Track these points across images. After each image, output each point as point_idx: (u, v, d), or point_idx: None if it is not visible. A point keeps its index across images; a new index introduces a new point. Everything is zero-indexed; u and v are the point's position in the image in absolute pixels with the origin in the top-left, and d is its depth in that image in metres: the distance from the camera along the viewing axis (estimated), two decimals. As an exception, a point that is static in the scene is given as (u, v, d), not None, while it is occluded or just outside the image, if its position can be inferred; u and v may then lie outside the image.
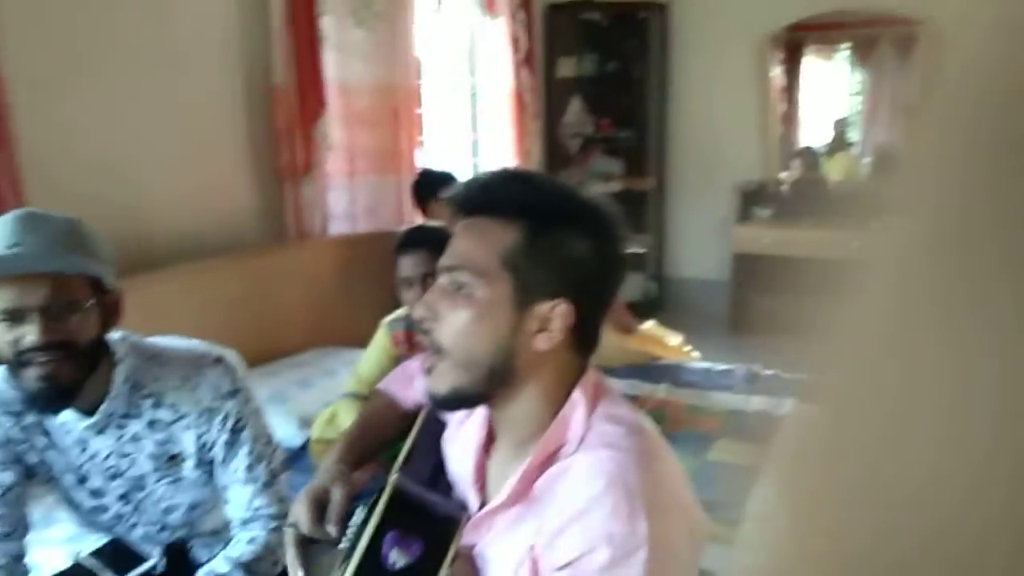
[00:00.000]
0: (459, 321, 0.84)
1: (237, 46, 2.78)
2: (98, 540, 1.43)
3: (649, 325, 3.18)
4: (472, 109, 4.14)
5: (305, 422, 2.26)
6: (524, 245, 0.84)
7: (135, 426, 1.27)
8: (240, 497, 1.31)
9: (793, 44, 4.69)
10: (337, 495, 1.04)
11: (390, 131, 3.33)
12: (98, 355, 1.20)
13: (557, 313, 0.84)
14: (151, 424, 1.28)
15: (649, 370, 2.90)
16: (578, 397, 0.86)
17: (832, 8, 4.27)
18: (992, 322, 0.19)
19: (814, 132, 4.82)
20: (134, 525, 1.34)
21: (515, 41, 4.01)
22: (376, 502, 0.96)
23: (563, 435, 0.85)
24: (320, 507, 1.05)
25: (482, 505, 0.94)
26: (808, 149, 4.70)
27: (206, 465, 1.32)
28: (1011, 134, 0.19)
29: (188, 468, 1.31)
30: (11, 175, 2.03)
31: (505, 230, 0.84)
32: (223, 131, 2.78)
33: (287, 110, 2.85)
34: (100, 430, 1.26)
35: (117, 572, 1.35)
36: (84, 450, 1.28)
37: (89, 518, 1.35)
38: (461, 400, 0.88)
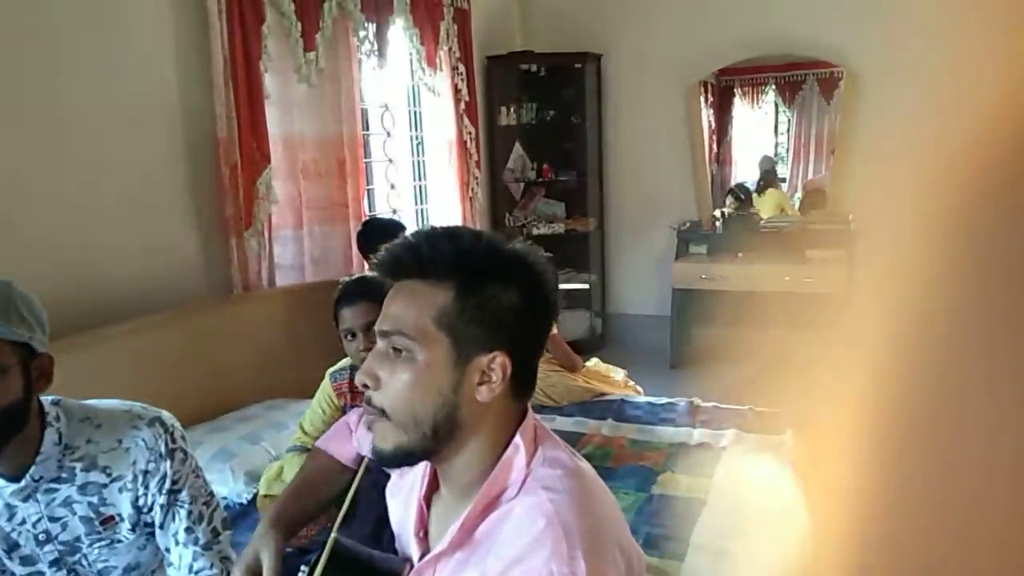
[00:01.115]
0: (400, 385, 0.86)
1: (180, 102, 2.80)
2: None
3: (593, 362, 3.27)
4: (417, 157, 4.24)
5: (253, 477, 2.25)
6: (457, 304, 0.85)
7: (66, 490, 1.24)
8: (181, 560, 1.29)
9: (722, 88, 4.92)
10: (267, 561, 1.06)
11: (336, 182, 3.39)
12: (21, 419, 1.17)
13: (496, 365, 0.86)
14: (83, 488, 1.24)
15: (594, 407, 2.96)
16: (519, 442, 0.88)
17: (756, 54, 4.51)
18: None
19: (745, 170, 5.04)
20: None
21: (456, 92, 4.13)
22: (317, 562, 0.99)
23: (505, 480, 0.87)
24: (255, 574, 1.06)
25: (424, 554, 0.95)
26: (740, 186, 4.90)
27: (143, 527, 1.30)
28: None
29: (124, 530, 1.28)
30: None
31: (436, 291, 0.86)
32: (168, 186, 2.79)
33: (230, 164, 2.89)
34: (27, 496, 1.22)
35: None
36: (12, 517, 1.24)
37: None
38: (406, 457, 0.89)
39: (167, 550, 1.30)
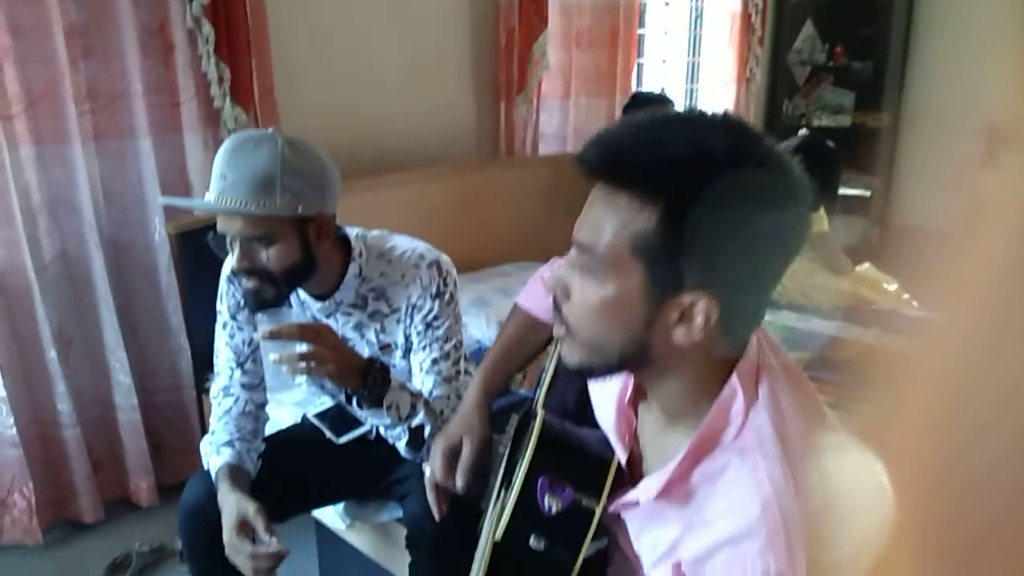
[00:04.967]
0: (587, 305, 0.75)
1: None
2: (323, 404, 1.59)
3: (865, 267, 2.98)
4: (693, 31, 3.99)
5: (503, 326, 2.40)
6: (659, 230, 0.69)
7: (358, 315, 1.40)
8: (423, 385, 1.39)
9: (1083, -37, 4.02)
10: (467, 449, 1.05)
11: (607, 52, 3.32)
12: (306, 272, 1.30)
13: (699, 309, 0.71)
14: (372, 315, 1.40)
15: (859, 313, 2.72)
16: (736, 386, 0.75)
17: None
18: None
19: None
20: None
21: (747, -41, 3.79)
22: (525, 442, 0.92)
23: (721, 429, 0.76)
24: (453, 456, 1.07)
25: (630, 458, 0.88)
26: (1087, 87, 4.06)
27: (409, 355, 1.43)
28: None
29: (397, 357, 1.43)
30: (265, 80, 2.25)
31: (639, 210, 0.70)
32: (449, 49, 2.91)
33: (508, 29, 2.92)
34: (329, 314, 1.40)
35: (336, 432, 1.49)
36: None
37: (318, 384, 1.52)
38: (595, 375, 0.82)
39: (412, 375, 1.42)
